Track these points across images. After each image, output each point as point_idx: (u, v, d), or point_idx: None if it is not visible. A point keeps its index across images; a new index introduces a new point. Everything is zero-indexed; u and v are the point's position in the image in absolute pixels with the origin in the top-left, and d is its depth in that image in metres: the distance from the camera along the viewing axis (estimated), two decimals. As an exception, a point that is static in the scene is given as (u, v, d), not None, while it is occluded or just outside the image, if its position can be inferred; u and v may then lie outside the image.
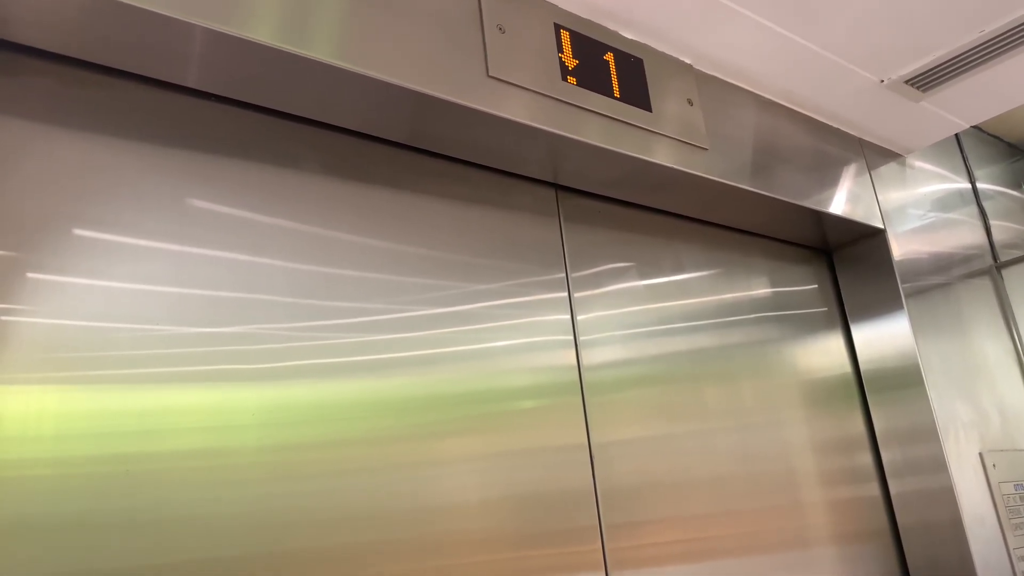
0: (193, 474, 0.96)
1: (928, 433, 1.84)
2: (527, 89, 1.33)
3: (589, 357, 1.47)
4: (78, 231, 0.96)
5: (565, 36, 1.43)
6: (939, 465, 1.81)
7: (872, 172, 2.06)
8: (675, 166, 1.52)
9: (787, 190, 1.77)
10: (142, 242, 1.01)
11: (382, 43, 1.16)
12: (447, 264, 1.33)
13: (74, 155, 0.99)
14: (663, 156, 1.51)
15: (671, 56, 1.63)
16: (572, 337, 1.46)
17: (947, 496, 1.79)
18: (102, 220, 0.99)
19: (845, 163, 1.99)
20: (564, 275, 1.50)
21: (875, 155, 2.11)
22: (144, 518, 0.91)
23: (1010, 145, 2.75)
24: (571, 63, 1.42)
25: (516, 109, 1.30)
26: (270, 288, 1.11)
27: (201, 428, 0.98)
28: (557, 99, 1.37)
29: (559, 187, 1.57)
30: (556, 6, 1.45)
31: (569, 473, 1.35)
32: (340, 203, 1.23)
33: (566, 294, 1.49)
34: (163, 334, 0.99)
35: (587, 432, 1.41)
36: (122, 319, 0.96)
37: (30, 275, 0.92)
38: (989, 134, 2.66)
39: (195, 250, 1.05)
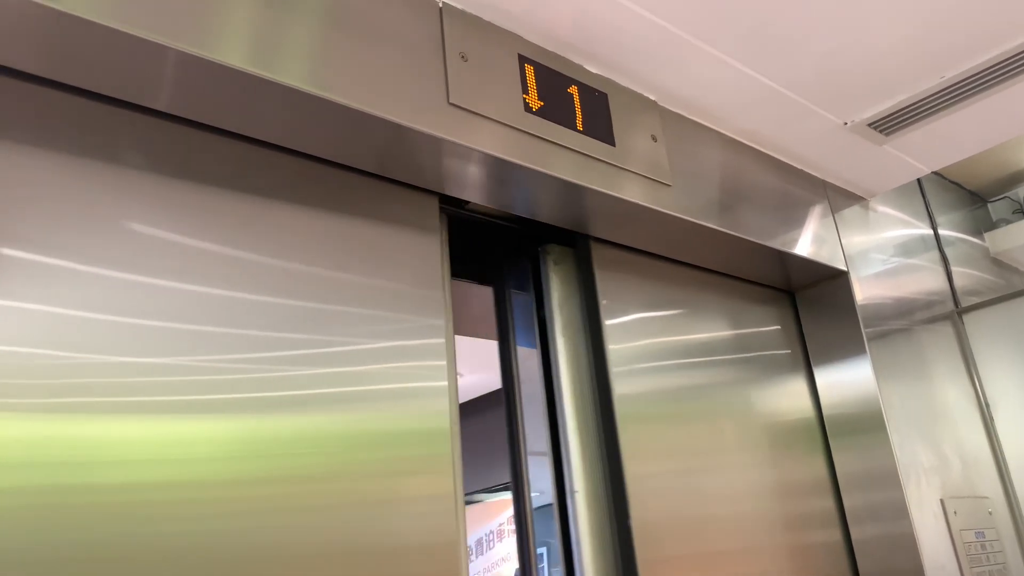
0: (119, 508, 0.90)
1: (890, 478, 1.82)
2: (488, 118, 1.30)
3: (546, 393, 1.44)
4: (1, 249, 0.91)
5: (529, 68, 1.42)
6: (900, 511, 1.79)
7: (836, 214, 2.07)
8: (637, 201, 1.50)
9: (750, 229, 1.76)
10: (64, 263, 0.95)
11: (344, 68, 1.13)
12: (400, 296, 1.29)
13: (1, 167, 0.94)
14: (625, 191, 1.49)
15: (635, 92, 1.63)
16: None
17: (908, 543, 1.76)
18: (29, 239, 0.93)
19: (809, 204, 2.00)
20: (523, 308, 1.47)
21: (839, 197, 2.12)
22: (65, 556, 0.85)
23: (971, 192, 2.79)
24: (534, 94, 1.40)
25: (476, 137, 1.27)
26: (205, 318, 1.05)
27: (128, 461, 0.92)
28: (518, 129, 1.35)
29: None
30: (521, 37, 1.44)
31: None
32: (288, 230, 1.19)
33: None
34: (83, 362, 0.93)
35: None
36: (42, 345, 0.90)
37: (-55, 292, 0.86)
38: (950, 181, 2.70)
39: (125, 276, 1.00)
